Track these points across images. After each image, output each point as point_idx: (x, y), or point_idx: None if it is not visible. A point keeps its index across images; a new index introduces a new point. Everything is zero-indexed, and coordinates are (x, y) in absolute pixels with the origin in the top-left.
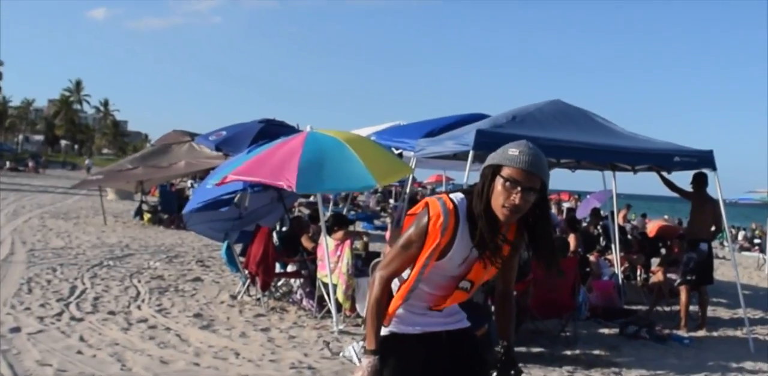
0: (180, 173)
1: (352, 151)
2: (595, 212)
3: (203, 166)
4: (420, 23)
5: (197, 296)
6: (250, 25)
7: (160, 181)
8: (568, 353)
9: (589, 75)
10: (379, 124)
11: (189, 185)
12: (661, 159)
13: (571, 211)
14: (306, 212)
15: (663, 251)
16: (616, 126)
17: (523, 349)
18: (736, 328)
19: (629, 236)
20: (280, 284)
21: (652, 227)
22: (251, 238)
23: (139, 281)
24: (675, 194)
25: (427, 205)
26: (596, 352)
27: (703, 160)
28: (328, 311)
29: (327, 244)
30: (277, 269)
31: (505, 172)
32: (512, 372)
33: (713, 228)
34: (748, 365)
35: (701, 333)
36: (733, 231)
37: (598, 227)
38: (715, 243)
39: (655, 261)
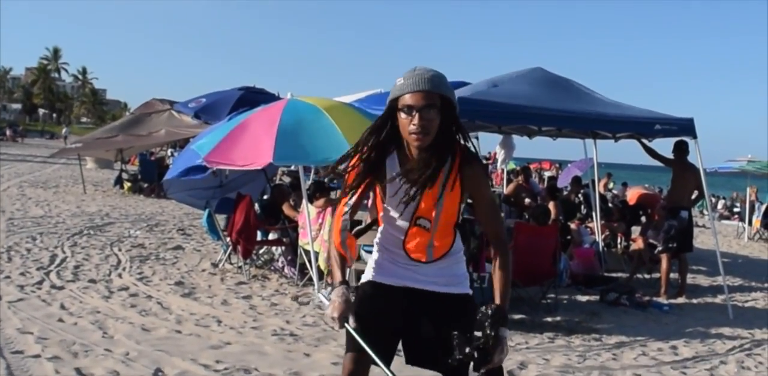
0: (160, 142)
1: (331, 120)
2: (575, 180)
3: (183, 135)
4: None
5: (178, 265)
6: None
7: (139, 149)
8: (549, 319)
9: (570, 44)
10: (361, 92)
11: (169, 154)
12: (641, 127)
13: (552, 179)
14: (287, 180)
15: (643, 219)
16: (598, 94)
17: None
18: (715, 295)
19: (610, 204)
20: (261, 251)
21: (632, 195)
22: (233, 207)
23: (120, 250)
24: (656, 163)
25: None
26: (577, 318)
27: (684, 128)
28: (310, 279)
29: (308, 211)
30: (259, 236)
31: (399, 103)
32: (491, 356)
33: (695, 195)
34: (727, 331)
35: (681, 300)
36: (713, 200)
37: (579, 195)
38: (695, 211)
39: (635, 229)
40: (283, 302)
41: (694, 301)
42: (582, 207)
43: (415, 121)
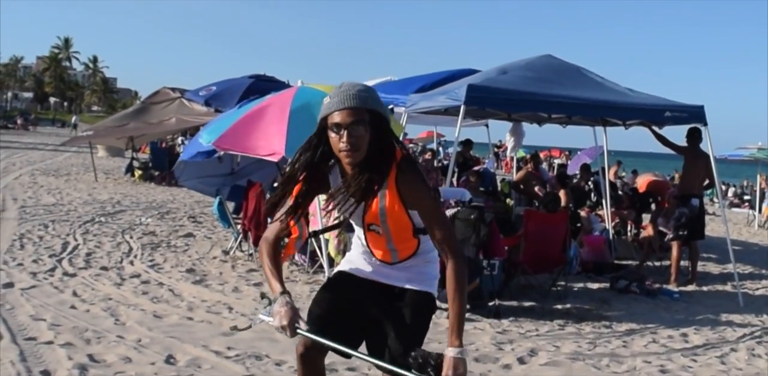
0: (170, 130)
1: None
2: (584, 168)
3: (194, 123)
4: None
5: (189, 252)
6: None
7: (150, 138)
8: (559, 307)
9: (580, 31)
10: (371, 80)
11: (179, 142)
12: (652, 114)
13: (562, 167)
14: None
15: (653, 206)
16: (608, 81)
17: (514, 303)
18: (726, 283)
19: (620, 192)
20: None
21: (641, 182)
22: (244, 194)
23: (131, 237)
24: (666, 150)
25: None
26: (587, 306)
27: (694, 115)
28: (320, 266)
29: (318, 199)
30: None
31: (328, 122)
32: None
33: (705, 183)
34: (737, 318)
35: (691, 288)
36: (724, 187)
37: (589, 183)
38: (705, 199)
39: (645, 217)
40: (293, 289)
41: (705, 288)
42: (592, 195)
43: (344, 138)
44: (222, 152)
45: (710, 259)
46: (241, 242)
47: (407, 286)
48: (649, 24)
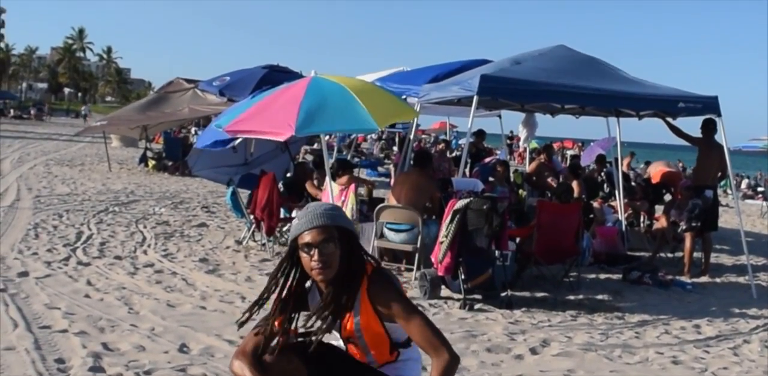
0: (184, 119)
1: (355, 97)
2: (599, 159)
3: (207, 113)
4: None
5: (203, 242)
6: None
7: (164, 127)
8: (572, 297)
9: (593, 22)
10: (384, 70)
11: (193, 133)
12: (665, 105)
13: (575, 158)
14: (310, 158)
15: (667, 197)
16: (621, 72)
17: (527, 294)
18: (739, 274)
19: (633, 183)
20: (285, 229)
21: (654, 173)
22: (256, 184)
23: (145, 227)
24: (679, 142)
25: None
26: (599, 297)
27: (708, 106)
28: None
29: (331, 189)
30: (282, 214)
31: (299, 242)
32: None
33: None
34: (751, 310)
35: (704, 279)
36: (737, 179)
37: (602, 174)
38: (719, 191)
39: (659, 208)
40: None
41: (718, 280)
42: (605, 186)
43: (316, 257)
44: (236, 142)
45: (723, 250)
46: (254, 232)
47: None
48: (663, 12)
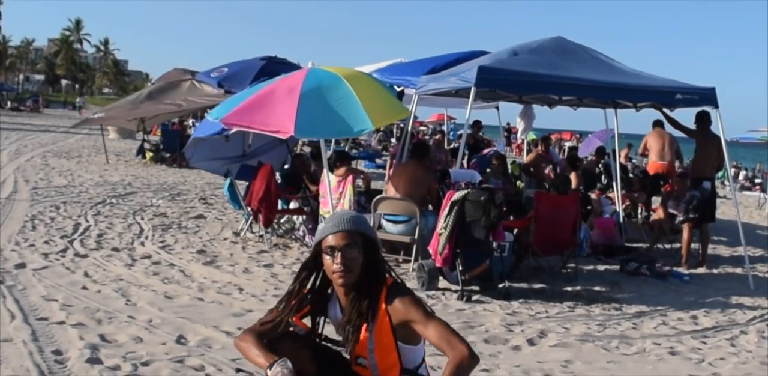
0: (181, 110)
1: (351, 90)
2: (599, 151)
3: (204, 105)
4: None
5: (200, 233)
6: None
7: (161, 119)
8: (569, 289)
9: (591, 12)
10: (382, 62)
11: (190, 124)
12: (663, 96)
13: (573, 149)
14: (308, 150)
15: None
16: (619, 63)
17: (524, 285)
18: (736, 265)
19: (630, 175)
20: (282, 220)
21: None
22: (254, 175)
23: (143, 219)
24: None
25: None
26: (597, 288)
27: (705, 97)
28: None
29: (329, 180)
30: (280, 205)
31: (323, 245)
32: None
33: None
34: (748, 301)
35: (701, 270)
36: (734, 170)
37: (600, 166)
38: (716, 182)
39: (656, 199)
40: None
41: (715, 271)
42: (602, 177)
43: (338, 260)
44: (231, 131)
45: (721, 242)
46: (251, 223)
47: None
48: (661, 1)
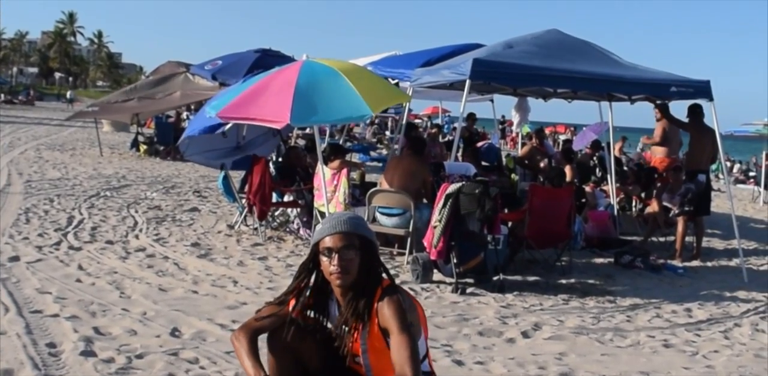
0: (175, 104)
1: (347, 81)
2: (594, 144)
3: (199, 98)
4: None
5: (195, 226)
6: None
7: (155, 112)
8: (564, 281)
9: (586, 5)
10: (376, 54)
11: (185, 117)
12: (657, 89)
13: (568, 142)
14: (302, 142)
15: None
16: (614, 55)
17: (518, 277)
18: (730, 258)
19: (625, 168)
20: (277, 213)
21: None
22: (249, 165)
23: (137, 211)
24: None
25: None
26: (591, 281)
27: (700, 90)
28: None
29: (324, 173)
30: (274, 198)
31: (320, 246)
32: None
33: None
34: (742, 294)
35: (695, 263)
36: (729, 164)
37: (594, 159)
38: (710, 175)
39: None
40: (298, 263)
41: (709, 264)
42: (597, 170)
43: (335, 261)
44: (227, 127)
45: (715, 235)
46: (246, 216)
47: None
48: None
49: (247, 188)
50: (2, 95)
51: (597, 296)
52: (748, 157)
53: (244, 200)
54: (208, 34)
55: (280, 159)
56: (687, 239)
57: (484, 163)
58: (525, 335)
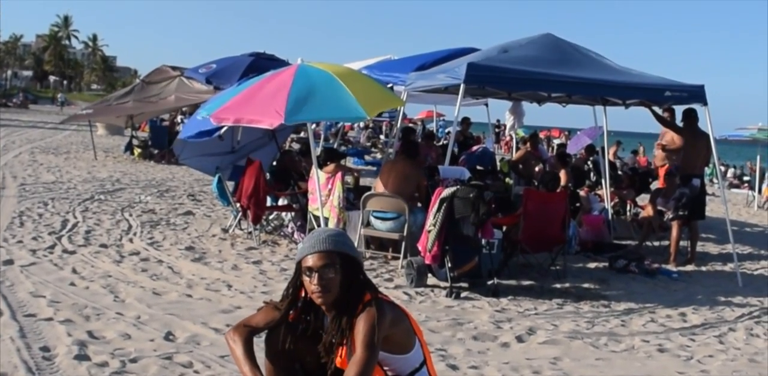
0: (170, 108)
1: (343, 85)
2: (588, 148)
3: (193, 101)
4: None
5: (189, 230)
6: None
7: (149, 116)
8: (558, 286)
9: (581, 10)
10: (371, 59)
11: (179, 121)
12: (652, 93)
13: (562, 147)
14: (297, 146)
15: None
16: (608, 60)
17: (513, 282)
18: (725, 263)
19: (619, 172)
20: (271, 217)
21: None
22: (243, 171)
23: (131, 215)
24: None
25: None
26: (585, 285)
27: (694, 94)
28: None
29: (318, 177)
30: (269, 202)
31: (302, 265)
32: None
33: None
34: (736, 298)
35: (690, 268)
36: (723, 168)
37: (589, 163)
38: (705, 180)
39: (645, 197)
40: (293, 267)
41: (704, 268)
42: (591, 174)
43: (315, 281)
44: (222, 130)
45: (709, 239)
46: (240, 220)
47: None
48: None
49: (238, 191)
50: None
51: (591, 300)
52: (743, 161)
53: (238, 204)
54: (202, 39)
55: (274, 163)
56: (681, 243)
57: (478, 167)
58: (519, 339)
